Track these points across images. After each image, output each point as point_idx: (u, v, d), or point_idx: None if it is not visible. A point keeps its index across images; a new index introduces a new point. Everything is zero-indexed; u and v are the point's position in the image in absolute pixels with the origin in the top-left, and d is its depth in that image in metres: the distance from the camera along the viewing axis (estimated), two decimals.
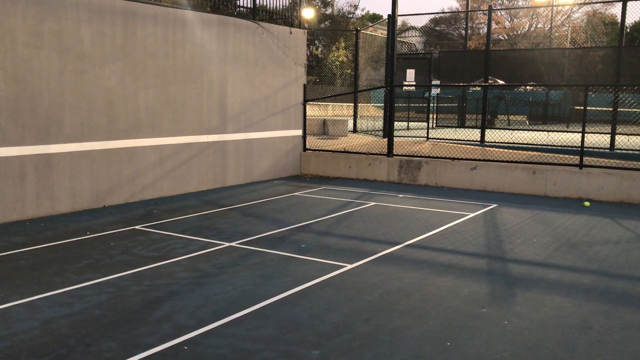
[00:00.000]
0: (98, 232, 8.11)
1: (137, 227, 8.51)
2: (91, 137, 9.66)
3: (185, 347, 4.44)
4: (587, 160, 11.65)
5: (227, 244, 7.56)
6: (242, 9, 13.90)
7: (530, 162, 12.00)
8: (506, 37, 47.53)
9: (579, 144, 11.47)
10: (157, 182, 10.93)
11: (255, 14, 13.27)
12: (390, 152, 13.43)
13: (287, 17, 14.60)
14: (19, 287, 5.75)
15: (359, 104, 20.13)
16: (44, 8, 8.83)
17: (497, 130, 17.85)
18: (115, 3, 9.82)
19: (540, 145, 14.31)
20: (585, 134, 11.49)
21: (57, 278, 6.07)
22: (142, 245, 7.47)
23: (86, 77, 9.50)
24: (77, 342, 4.51)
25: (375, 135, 17.95)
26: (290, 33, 13.85)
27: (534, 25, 45.07)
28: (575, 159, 11.51)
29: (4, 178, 8.54)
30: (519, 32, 46.59)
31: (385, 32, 22.80)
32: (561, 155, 11.98)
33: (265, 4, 13.70)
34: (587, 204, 10.62)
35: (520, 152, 13.54)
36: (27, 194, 8.85)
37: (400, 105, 20.10)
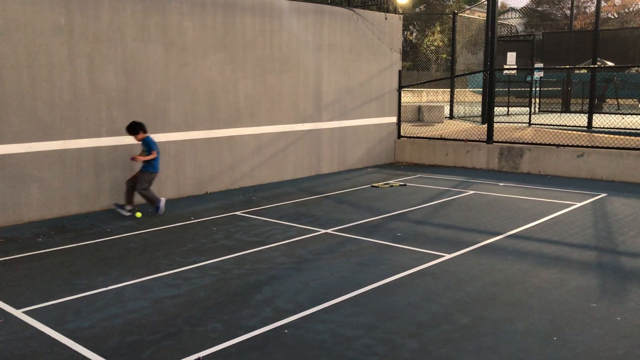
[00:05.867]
0: (201, 217, 8.46)
1: (237, 212, 8.79)
2: (194, 126, 10.07)
3: (286, 331, 4.53)
4: None
5: (323, 231, 7.63)
6: None
7: None
8: (616, 15, 44.36)
9: None
10: (255, 169, 11.23)
11: (350, 0, 13.22)
12: (490, 139, 12.98)
13: (381, 3, 14.43)
14: (130, 268, 6.12)
15: (456, 90, 19.60)
16: (150, 3, 9.26)
17: (605, 115, 16.74)
18: None
19: None
20: None
21: (165, 260, 6.39)
22: (243, 230, 7.71)
23: (189, 69, 9.89)
24: (184, 322, 4.73)
25: (473, 122, 17.42)
26: (386, 19, 13.68)
27: None
28: None
29: (116, 166, 9.09)
30: (632, 9, 43.31)
31: (483, 14, 21.99)
32: None
33: None
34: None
35: (632, 138, 12.62)
36: None
37: (500, 89, 19.37)
